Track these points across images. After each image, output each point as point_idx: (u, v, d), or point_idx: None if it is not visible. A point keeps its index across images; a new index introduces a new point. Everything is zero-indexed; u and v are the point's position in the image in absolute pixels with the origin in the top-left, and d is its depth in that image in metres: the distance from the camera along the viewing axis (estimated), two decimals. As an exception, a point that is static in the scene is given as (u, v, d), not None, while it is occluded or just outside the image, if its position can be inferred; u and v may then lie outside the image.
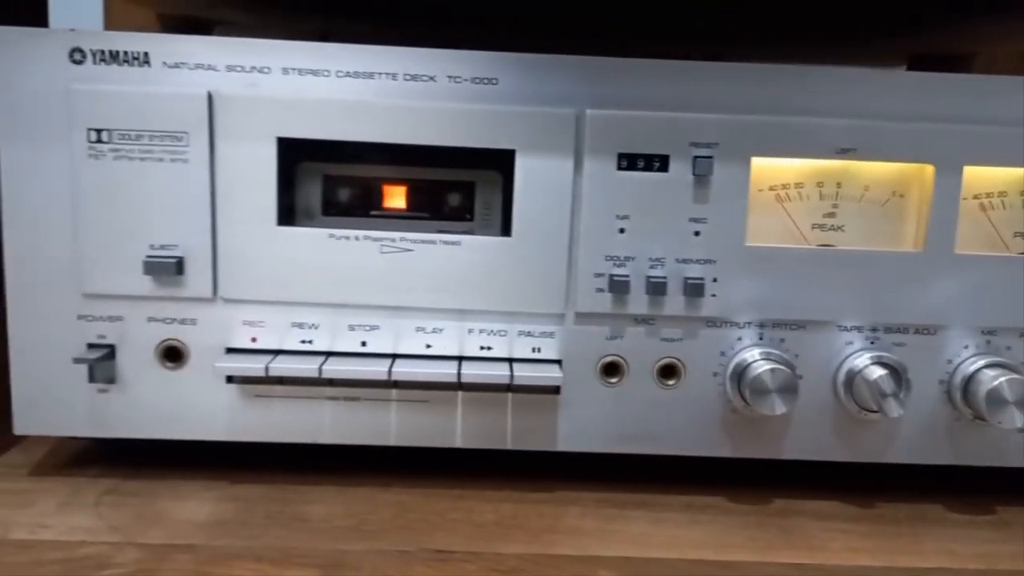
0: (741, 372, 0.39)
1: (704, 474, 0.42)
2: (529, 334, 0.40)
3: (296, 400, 0.39)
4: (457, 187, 0.39)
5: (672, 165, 0.38)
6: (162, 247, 0.38)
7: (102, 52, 0.37)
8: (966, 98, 0.39)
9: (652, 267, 0.39)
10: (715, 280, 0.39)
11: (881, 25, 0.51)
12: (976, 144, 0.39)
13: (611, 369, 0.40)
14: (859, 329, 0.40)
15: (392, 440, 0.40)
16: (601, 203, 0.38)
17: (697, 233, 0.39)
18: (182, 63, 0.37)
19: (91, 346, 0.39)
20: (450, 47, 0.38)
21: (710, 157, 0.38)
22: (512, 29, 0.53)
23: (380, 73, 0.38)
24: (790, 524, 0.39)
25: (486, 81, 0.38)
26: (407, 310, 0.39)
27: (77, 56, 0.37)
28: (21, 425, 0.39)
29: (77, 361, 0.38)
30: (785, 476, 0.42)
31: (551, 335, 0.40)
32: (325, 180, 0.39)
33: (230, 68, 0.37)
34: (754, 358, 0.39)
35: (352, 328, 0.39)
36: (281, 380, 0.39)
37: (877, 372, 0.39)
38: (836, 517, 0.40)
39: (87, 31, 0.37)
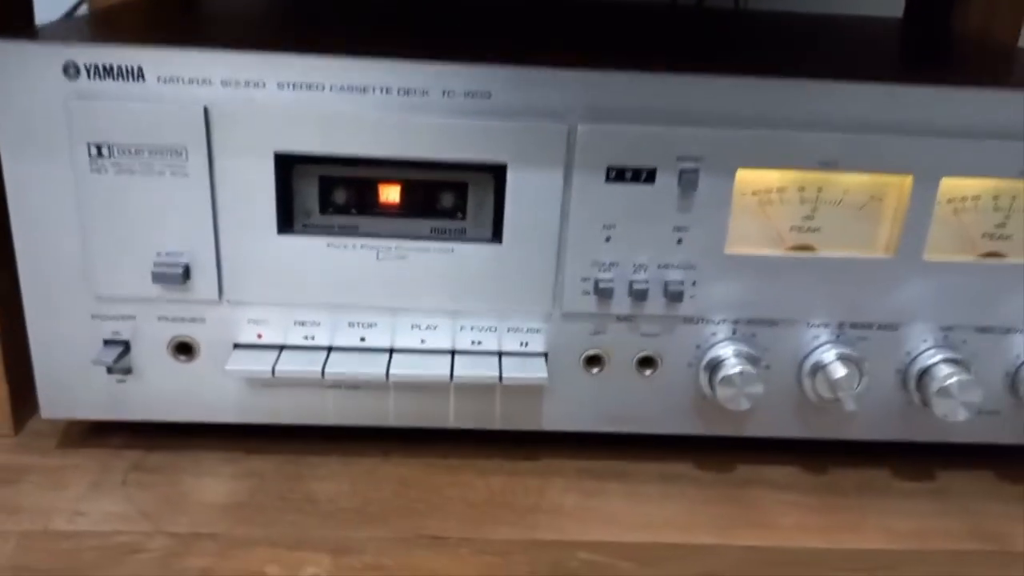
0: (713, 367, 0.42)
1: (675, 444, 0.46)
2: (518, 329, 0.42)
3: (301, 388, 0.43)
4: (451, 187, 0.41)
5: (659, 177, 0.39)
6: (168, 255, 0.40)
7: (96, 66, 0.37)
8: (946, 110, 0.40)
9: (636, 272, 0.41)
10: (694, 283, 0.41)
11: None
12: (954, 156, 0.40)
13: (594, 360, 0.43)
14: (826, 325, 0.43)
15: (391, 421, 0.44)
16: (589, 213, 0.40)
17: (680, 241, 0.41)
18: (176, 77, 0.37)
19: (107, 342, 0.41)
20: (445, 55, 0.38)
21: (696, 170, 0.39)
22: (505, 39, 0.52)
23: (374, 88, 0.38)
24: (750, 496, 0.44)
25: (479, 95, 0.38)
26: (403, 310, 0.42)
27: (71, 71, 0.37)
28: (48, 411, 0.43)
29: (96, 363, 0.40)
30: (748, 445, 0.46)
31: (538, 331, 0.42)
32: (321, 182, 0.40)
33: (225, 83, 0.37)
34: (727, 355, 0.42)
35: (351, 325, 0.42)
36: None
37: (839, 372, 0.42)
38: (791, 488, 0.45)
39: (79, 45, 0.37)
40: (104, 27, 0.46)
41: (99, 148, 0.38)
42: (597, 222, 0.40)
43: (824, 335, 0.43)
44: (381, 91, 0.38)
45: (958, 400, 0.42)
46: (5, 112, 0.37)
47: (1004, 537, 0.42)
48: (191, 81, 0.37)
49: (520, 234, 0.40)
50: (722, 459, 0.46)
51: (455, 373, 0.41)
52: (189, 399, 0.43)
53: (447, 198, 0.41)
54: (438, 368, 0.41)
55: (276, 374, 0.41)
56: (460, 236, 0.41)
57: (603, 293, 0.41)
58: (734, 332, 0.43)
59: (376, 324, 0.42)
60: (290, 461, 0.44)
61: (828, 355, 0.42)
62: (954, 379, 0.42)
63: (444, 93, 0.38)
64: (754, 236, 0.41)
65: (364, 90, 0.38)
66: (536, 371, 0.42)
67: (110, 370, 0.41)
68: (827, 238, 0.42)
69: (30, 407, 0.44)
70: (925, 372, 0.43)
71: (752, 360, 0.42)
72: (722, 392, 0.42)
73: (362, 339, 0.42)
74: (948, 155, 0.40)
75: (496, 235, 0.40)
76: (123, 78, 0.37)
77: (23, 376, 0.43)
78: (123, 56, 0.37)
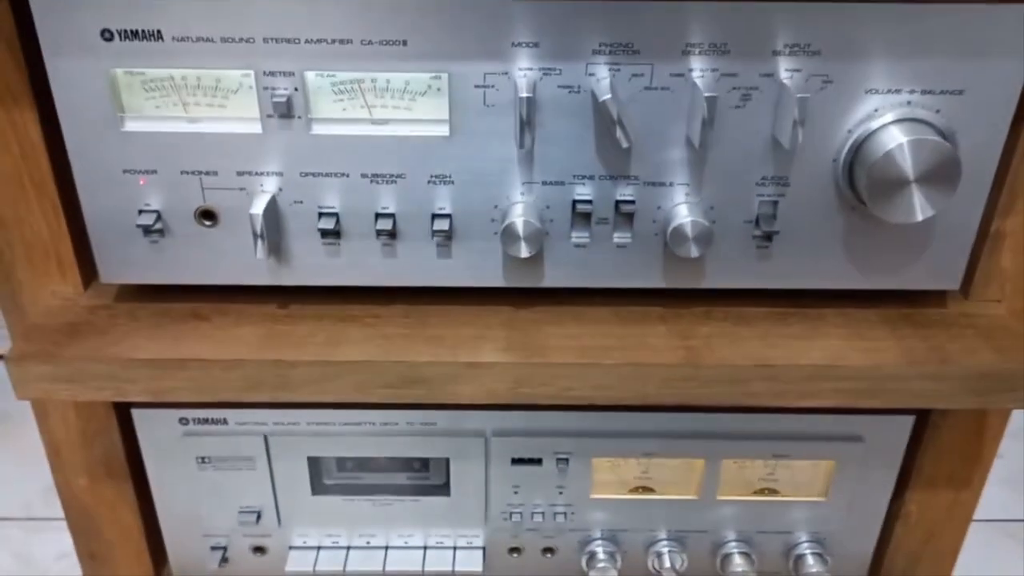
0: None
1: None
2: (463, 536, 0.67)
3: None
4: (422, 464, 0.65)
5: (544, 462, 0.63)
6: (247, 507, 0.65)
7: (198, 416, 0.61)
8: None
9: (535, 509, 0.65)
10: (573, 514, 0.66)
11: None
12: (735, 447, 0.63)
13: (514, 550, 0.68)
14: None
15: (389, 583, 0.70)
16: (501, 484, 0.64)
17: (561, 492, 0.65)
18: (246, 421, 0.61)
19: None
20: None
21: (567, 458, 0.63)
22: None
23: (371, 422, 0.61)
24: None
25: (430, 424, 0.62)
26: (394, 531, 0.67)
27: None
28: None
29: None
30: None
31: (477, 536, 0.67)
32: (338, 461, 0.65)
33: (276, 423, 0.61)
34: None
35: (361, 535, 0.67)
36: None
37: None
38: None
39: (187, 404, 0.61)
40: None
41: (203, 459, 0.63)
42: (508, 487, 0.64)
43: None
44: (373, 424, 0.62)
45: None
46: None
47: None
48: (257, 423, 0.62)
49: (460, 489, 0.65)
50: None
51: (426, 560, 0.67)
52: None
53: (420, 470, 0.65)
54: (413, 561, 0.67)
55: (317, 568, 0.67)
56: (426, 491, 0.65)
57: (516, 521, 0.65)
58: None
59: (375, 535, 0.67)
60: None
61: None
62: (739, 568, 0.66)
63: (409, 424, 0.62)
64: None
65: (363, 423, 0.62)
66: (474, 564, 0.67)
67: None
68: (660, 485, 0.65)
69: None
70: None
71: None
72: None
73: (367, 542, 0.68)
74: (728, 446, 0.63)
75: (447, 490, 0.65)
76: (215, 421, 0.62)
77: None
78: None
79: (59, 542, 0.89)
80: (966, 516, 0.68)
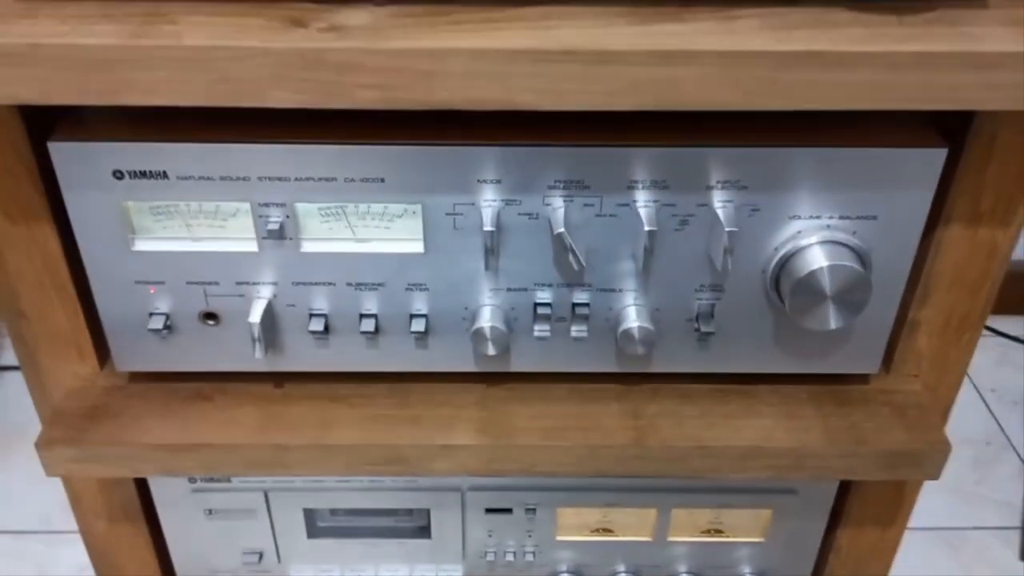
0: None
1: None
2: (444, 569, 0.75)
3: (328, 597, 0.77)
4: (408, 513, 0.73)
5: (515, 511, 0.71)
6: (250, 550, 0.73)
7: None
8: (680, 473, 0.70)
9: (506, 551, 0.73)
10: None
11: None
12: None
13: (488, 583, 0.76)
14: (619, 566, 0.75)
15: (378, 609, 0.78)
16: (477, 529, 0.72)
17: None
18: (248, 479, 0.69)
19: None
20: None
21: (535, 508, 0.71)
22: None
23: (359, 479, 0.69)
24: None
25: (413, 481, 0.69)
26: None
27: (192, 478, 0.69)
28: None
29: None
30: None
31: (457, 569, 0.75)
32: (331, 512, 0.72)
33: (276, 481, 0.69)
34: None
35: (352, 571, 0.75)
36: (319, 585, 0.76)
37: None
38: None
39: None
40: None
41: (210, 509, 0.70)
42: (483, 531, 0.72)
43: (618, 569, 0.75)
44: (362, 480, 0.69)
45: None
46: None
47: None
48: (258, 481, 0.69)
49: (440, 534, 0.73)
50: None
51: (411, 593, 0.75)
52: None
53: (404, 516, 0.73)
54: (400, 596, 0.76)
55: (313, 605, 0.75)
56: (410, 534, 0.73)
57: (490, 560, 0.74)
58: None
59: (365, 569, 0.75)
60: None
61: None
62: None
63: (393, 480, 0.69)
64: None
65: (352, 480, 0.69)
66: (454, 594, 0.76)
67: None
68: (618, 527, 0.73)
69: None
70: None
71: None
72: None
73: (359, 576, 0.76)
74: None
75: (428, 533, 0.73)
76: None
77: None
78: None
79: (78, 555, 0.97)
80: (892, 547, 0.77)
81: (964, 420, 1.18)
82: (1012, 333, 1.33)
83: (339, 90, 0.46)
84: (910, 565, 1.00)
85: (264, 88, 0.46)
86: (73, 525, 1.01)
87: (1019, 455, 1.12)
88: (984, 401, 1.21)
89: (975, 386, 1.22)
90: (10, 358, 1.29)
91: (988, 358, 1.27)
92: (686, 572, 0.75)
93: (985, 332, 1.38)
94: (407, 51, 0.45)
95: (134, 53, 0.44)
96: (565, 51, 0.45)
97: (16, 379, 1.21)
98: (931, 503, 1.10)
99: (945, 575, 1.00)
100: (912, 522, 0.75)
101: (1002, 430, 1.17)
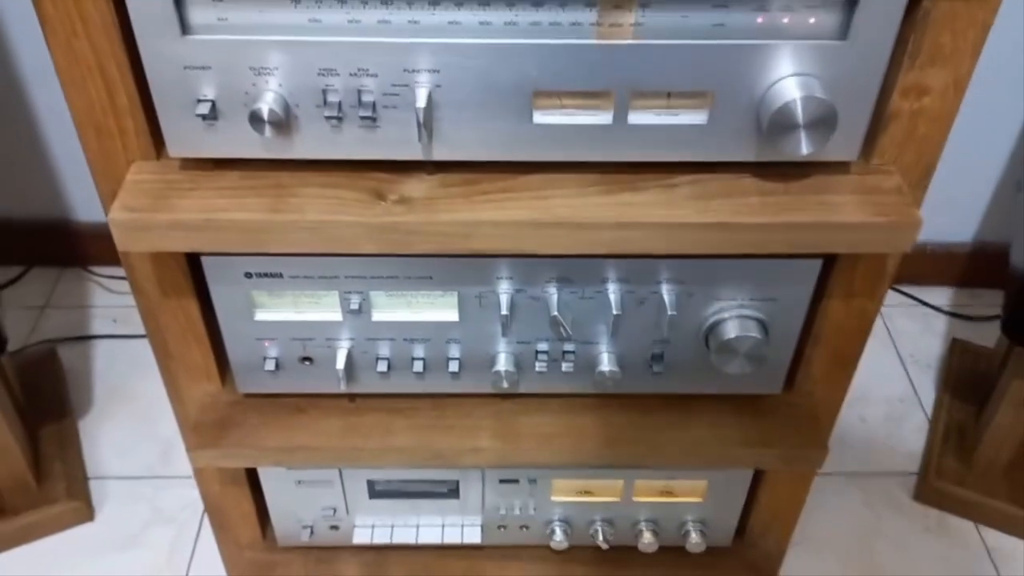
0: None
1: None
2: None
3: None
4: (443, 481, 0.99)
5: (520, 481, 0.97)
6: (328, 506, 0.99)
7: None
8: (641, 455, 0.96)
9: (514, 507, 1.00)
10: None
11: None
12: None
13: None
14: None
15: None
16: (493, 492, 0.98)
17: (532, 497, 0.99)
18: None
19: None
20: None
21: (535, 479, 0.97)
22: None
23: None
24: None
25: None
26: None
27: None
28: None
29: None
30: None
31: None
32: (387, 480, 0.98)
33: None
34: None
35: (401, 519, 1.02)
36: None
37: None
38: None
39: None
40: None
41: None
42: (497, 494, 0.98)
43: None
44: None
45: (647, 549, 1.02)
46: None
47: None
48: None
49: (466, 496, 0.99)
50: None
51: (444, 534, 1.02)
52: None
53: (439, 483, 0.99)
54: (435, 535, 1.03)
55: (373, 540, 1.02)
56: (444, 495, 0.99)
57: (502, 513, 1.00)
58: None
59: (410, 519, 1.02)
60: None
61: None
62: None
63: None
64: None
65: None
66: (475, 537, 1.02)
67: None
68: (596, 491, 0.99)
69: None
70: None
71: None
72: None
73: (405, 523, 1.03)
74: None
75: (457, 495, 0.99)
76: (307, 461, 0.95)
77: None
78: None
79: (182, 496, 1.25)
80: (800, 502, 1.03)
81: (883, 381, 1.41)
82: (934, 303, 1.56)
83: (407, 245, 0.69)
84: (826, 502, 1.28)
85: (359, 243, 0.69)
86: (174, 471, 1.29)
87: (925, 412, 1.37)
88: (903, 364, 1.44)
89: (897, 350, 1.45)
90: (99, 327, 1.53)
91: (913, 326, 1.50)
92: (645, 521, 1.02)
93: (911, 302, 1.63)
94: (451, 222, 0.68)
95: (276, 226, 0.68)
96: (556, 222, 0.68)
97: (104, 348, 1.47)
98: (847, 451, 1.37)
99: (853, 511, 1.27)
100: (827, 468, 1.00)
101: (914, 390, 1.41)
